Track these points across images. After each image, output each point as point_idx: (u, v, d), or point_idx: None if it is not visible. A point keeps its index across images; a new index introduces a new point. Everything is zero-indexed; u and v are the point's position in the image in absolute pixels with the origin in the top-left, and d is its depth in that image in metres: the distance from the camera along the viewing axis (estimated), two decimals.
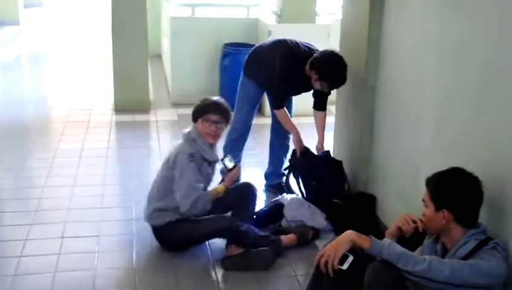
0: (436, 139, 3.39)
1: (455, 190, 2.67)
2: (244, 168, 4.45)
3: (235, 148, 4.83)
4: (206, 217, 3.87)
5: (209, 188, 4.01)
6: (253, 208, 4.14)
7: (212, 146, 3.99)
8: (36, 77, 9.54)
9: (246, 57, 4.87)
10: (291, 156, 4.74)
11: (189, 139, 3.90)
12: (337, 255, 2.70)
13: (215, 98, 4.06)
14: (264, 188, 4.99)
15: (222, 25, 7.66)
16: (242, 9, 8.15)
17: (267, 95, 4.89)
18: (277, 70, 4.49)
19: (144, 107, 7.22)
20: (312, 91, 4.63)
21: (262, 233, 3.95)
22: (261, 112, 6.50)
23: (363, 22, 4.23)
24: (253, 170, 5.17)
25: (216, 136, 3.94)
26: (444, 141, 3.29)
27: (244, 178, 4.74)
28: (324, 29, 7.01)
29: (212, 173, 4.08)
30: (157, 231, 3.96)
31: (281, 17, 7.20)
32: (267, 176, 5.05)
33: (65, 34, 13.23)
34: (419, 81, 3.60)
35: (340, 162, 4.58)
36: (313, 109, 4.72)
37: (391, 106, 4.06)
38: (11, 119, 6.88)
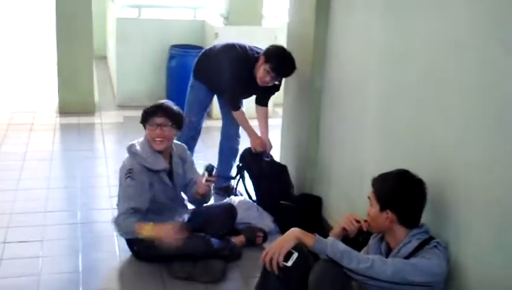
0: (380, 141, 3.46)
1: (400, 192, 2.72)
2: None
3: None
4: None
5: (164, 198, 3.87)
6: (228, 228, 4.01)
7: (158, 154, 3.77)
8: None
9: (196, 60, 4.85)
10: (240, 159, 4.74)
11: (130, 152, 3.76)
12: (282, 252, 2.72)
13: (162, 101, 3.93)
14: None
15: (169, 26, 7.62)
16: (189, 11, 8.12)
17: (219, 99, 4.90)
18: (228, 75, 4.51)
19: (88, 110, 7.11)
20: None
21: (228, 246, 3.88)
22: (209, 115, 6.49)
23: (309, 25, 4.28)
24: (201, 172, 5.16)
25: (163, 142, 3.73)
26: (388, 142, 3.36)
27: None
28: (271, 32, 7.05)
29: (168, 183, 3.85)
30: (131, 243, 3.82)
31: (228, 20, 7.22)
32: None
33: (6, 34, 12.92)
34: (363, 83, 3.67)
35: (285, 167, 4.63)
36: (255, 105, 4.77)
37: (337, 107, 4.11)
38: None
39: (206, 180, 3.80)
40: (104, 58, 9.81)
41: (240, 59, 4.53)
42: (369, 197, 2.81)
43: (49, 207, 4.60)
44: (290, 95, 4.77)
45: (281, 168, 4.63)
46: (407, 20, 3.12)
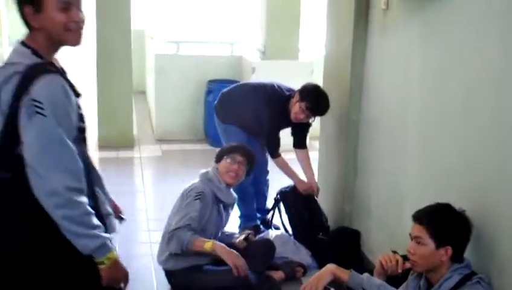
0: (420, 173, 3.41)
1: (459, 227, 2.64)
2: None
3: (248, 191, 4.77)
4: (222, 269, 3.72)
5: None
6: (267, 265, 4.01)
7: (228, 187, 3.96)
8: None
9: (217, 104, 4.80)
10: (280, 192, 4.69)
11: (205, 179, 3.88)
12: (318, 288, 2.70)
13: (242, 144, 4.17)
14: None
15: (206, 61, 7.73)
16: (226, 46, 8.23)
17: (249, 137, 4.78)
18: (265, 121, 4.51)
19: (127, 144, 7.21)
20: (291, 130, 4.66)
21: (268, 281, 3.88)
22: None
23: (346, 58, 4.28)
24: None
25: (236, 177, 3.93)
26: (428, 175, 3.31)
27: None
28: (308, 65, 7.10)
29: (223, 217, 3.97)
30: (170, 275, 3.86)
31: (265, 54, 7.28)
32: None
33: None
34: (401, 116, 3.64)
35: (312, 196, 4.58)
36: (294, 149, 4.72)
37: (375, 139, 4.08)
38: None
39: (242, 242, 3.94)
40: (143, 93, 9.97)
41: (271, 101, 4.52)
42: (410, 235, 2.70)
43: None
44: (327, 128, 4.76)
45: (309, 199, 4.58)
46: (447, 51, 3.10)
